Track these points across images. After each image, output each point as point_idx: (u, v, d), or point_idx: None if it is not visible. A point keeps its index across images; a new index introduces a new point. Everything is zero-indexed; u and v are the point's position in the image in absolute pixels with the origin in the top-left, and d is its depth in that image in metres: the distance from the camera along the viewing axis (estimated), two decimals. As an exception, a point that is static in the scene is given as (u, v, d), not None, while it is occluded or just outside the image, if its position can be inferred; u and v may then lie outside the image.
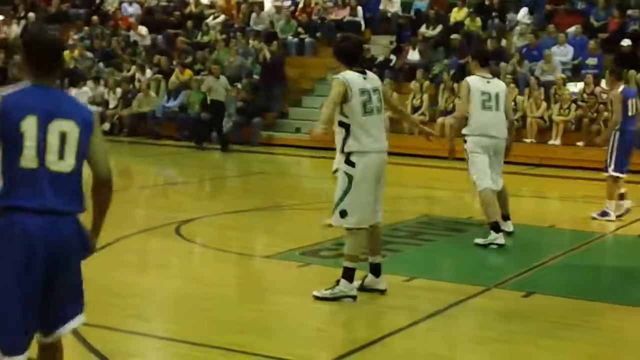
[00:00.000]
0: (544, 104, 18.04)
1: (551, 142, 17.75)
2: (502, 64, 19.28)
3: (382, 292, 6.79)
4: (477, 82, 9.07)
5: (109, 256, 7.40)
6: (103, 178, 3.95)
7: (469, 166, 9.09)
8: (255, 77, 21.17)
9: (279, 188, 14.17)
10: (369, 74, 6.70)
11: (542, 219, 11.61)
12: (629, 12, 19.97)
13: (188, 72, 21.17)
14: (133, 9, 25.77)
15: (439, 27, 21.47)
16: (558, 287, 7.58)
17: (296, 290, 6.93)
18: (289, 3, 23.97)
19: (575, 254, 8.96)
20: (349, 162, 6.46)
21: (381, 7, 22.85)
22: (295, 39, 22.63)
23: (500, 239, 8.77)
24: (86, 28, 25.23)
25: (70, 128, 3.73)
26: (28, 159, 3.64)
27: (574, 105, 17.82)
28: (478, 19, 21.07)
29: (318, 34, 22.70)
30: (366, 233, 6.62)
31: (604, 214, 10.67)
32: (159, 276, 7.62)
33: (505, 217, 9.34)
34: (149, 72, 22.01)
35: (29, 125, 3.64)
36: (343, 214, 6.48)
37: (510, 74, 18.63)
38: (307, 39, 22.58)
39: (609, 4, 20.40)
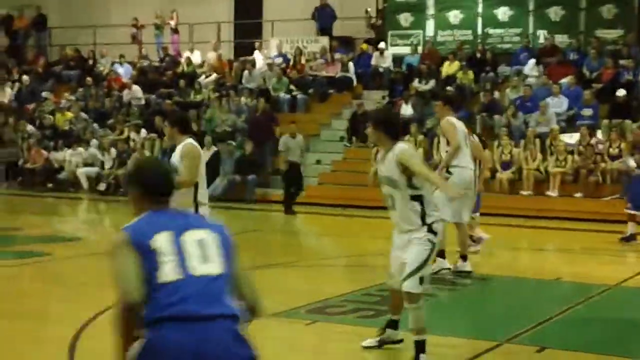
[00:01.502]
0: (539, 156, 18.06)
1: (548, 193, 17.73)
2: (496, 117, 19.36)
3: (401, 341, 6.85)
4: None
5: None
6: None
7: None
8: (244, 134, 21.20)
9: (275, 245, 14.06)
10: None
11: (543, 271, 11.50)
12: (622, 62, 20.11)
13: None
14: (125, 70, 25.86)
15: (432, 81, 21.59)
16: (570, 341, 7.46)
17: (307, 347, 6.80)
18: (280, 60, 24.09)
19: (583, 306, 8.84)
20: (431, 231, 6.35)
21: (373, 62, 22.98)
22: (288, 96, 22.71)
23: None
24: (80, 89, 25.31)
25: (207, 234, 3.66)
26: (168, 272, 3.49)
27: (570, 157, 17.84)
28: (470, 72, 21.22)
29: (310, 91, 22.80)
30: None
31: None
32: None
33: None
34: (143, 132, 22.00)
35: (163, 241, 3.56)
36: (422, 280, 6.36)
37: (504, 127, 18.69)
38: (300, 96, 22.66)
39: (601, 54, 20.57)
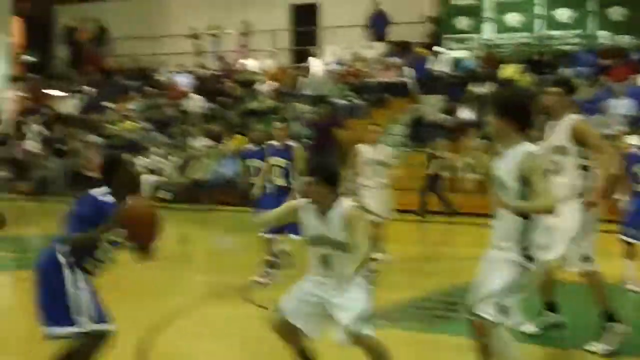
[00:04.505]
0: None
1: (615, 196, 17.42)
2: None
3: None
4: None
5: (178, 324, 7.39)
6: None
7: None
8: (306, 140, 21.30)
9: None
10: None
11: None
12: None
13: (240, 139, 21.36)
14: (185, 78, 26.20)
15: (489, 84, 21.47)
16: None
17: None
18: (337, 66, 24.18)
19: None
20: (527, 256, 5.24)
21: (429, 67, 22.94)
22: (345, 102, 22.79)
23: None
24: (140, 99, 25.71)
25: None
26: None
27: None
28: (529, 75, 21.05)
29: (367, 97, 22.85)
30: None
31: None
32: (237, 344, 7.57)
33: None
34: (203, 140, 22.26)
35: None
36: (504, 310, 5.22)
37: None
38: (357, 102, 22.72)
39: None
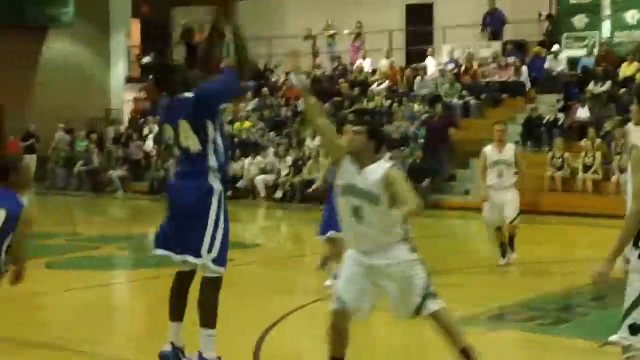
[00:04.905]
0: None
1: None
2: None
3: None
4: None
5: (294, 324, 7.58)
6: None
7: None
8: (421, 140, 21.37)
9: (452, 251, 14.14)
10: None
11: None
12: None
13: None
14: (299, 79, 26.50)
15: (608, 83, 21.06)
16: None
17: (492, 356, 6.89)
18: (452, 66, 24.12)
19: None
20: None
21: (546, 65, 22.64)
22: (460, 102, 22.72)
23: None
24: (256, 99, 26.20)
25: None
26: None
27: None
28: (650, 73, 20.57)
29: (483, 96, 22.70)
30: None
31: None
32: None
33: None
34: (317, 139, 22.53)
35: None
36: (635, 330, 4.65)
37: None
38: (472, 101, 22.62)
39: None
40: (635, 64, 21.01)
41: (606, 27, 22.79)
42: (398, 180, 5.55)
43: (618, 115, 19.74)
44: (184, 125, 5.85)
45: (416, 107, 22.63)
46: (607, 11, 22.73)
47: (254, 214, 21.12)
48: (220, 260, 5.87)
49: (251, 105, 26.00)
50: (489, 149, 11.39)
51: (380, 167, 5.61)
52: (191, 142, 5.84)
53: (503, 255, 11.27)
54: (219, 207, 5.84)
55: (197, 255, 5.79)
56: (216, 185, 5.87)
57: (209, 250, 5.80)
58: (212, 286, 5.88)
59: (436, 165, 20.68)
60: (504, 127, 12.05)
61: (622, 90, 20.11)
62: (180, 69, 6.25)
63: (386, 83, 24.55)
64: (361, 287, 5.61)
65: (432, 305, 5.59)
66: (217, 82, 6.03)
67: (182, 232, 5.79)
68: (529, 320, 8.18)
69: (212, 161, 5.85)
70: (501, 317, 8.32)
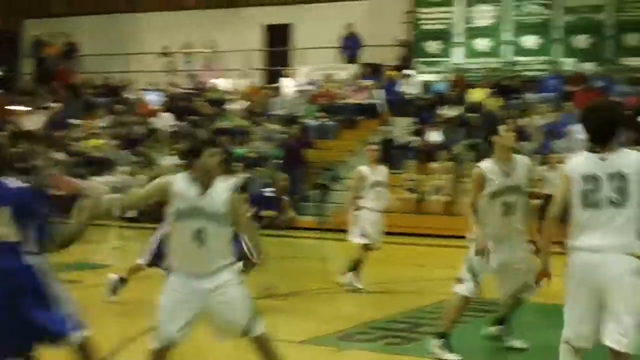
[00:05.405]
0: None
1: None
2: (523, 143, 19.32)
3: None
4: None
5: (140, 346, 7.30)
6: None
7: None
8: (276, 161, 21.34)
9: (304, 271, 14.10)
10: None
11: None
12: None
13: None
14: (155, 96, 26.15)
15: (459, 108, 21.64)
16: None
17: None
18: (309, 87, 24.27)
19: None
20: None
21: (400, 89, 23.09)
22: (316, 122, 22.86)
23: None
24: (109, 116, 25.59)
25: None
26: None
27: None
28: (497, 99, 21.24)
29: (339, 118, 22.93)
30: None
31: None
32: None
33: None
34: (172, 158, 22.17)
35: None
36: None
37: (536, 153, 18.63)
38: (328, 123, 22.80)
39: (628, 82, 20.54)
40: (483, 90, 21.69)
41: (457, 53, 23.47)
42: (237, 202, 5.67)
43: (467, 139, 20.34)
44: None
45: (273, 127, 22.61)
46: (458, 38, 23.43)
47: (105, 234, 20.52)
48: None
49: (104, 122, 25.36)
50: (365, 170, 11.28)
51: (224, 187, 5.62)
52: None
53: (356, 272, 11.19)
54: None
55: None
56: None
57: None
58: None
59: (291, 185, 20.63)
60: (379, 147, 12.03)
61: (471, 114, 20.70)
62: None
63: (242, 103, 24.45)
64: (187, 314, 5.53)
65: (258, 328, 5.63)
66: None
67: None
68: (377, 339, 8.18)
69: None
70: (350, 336, 8.28)
